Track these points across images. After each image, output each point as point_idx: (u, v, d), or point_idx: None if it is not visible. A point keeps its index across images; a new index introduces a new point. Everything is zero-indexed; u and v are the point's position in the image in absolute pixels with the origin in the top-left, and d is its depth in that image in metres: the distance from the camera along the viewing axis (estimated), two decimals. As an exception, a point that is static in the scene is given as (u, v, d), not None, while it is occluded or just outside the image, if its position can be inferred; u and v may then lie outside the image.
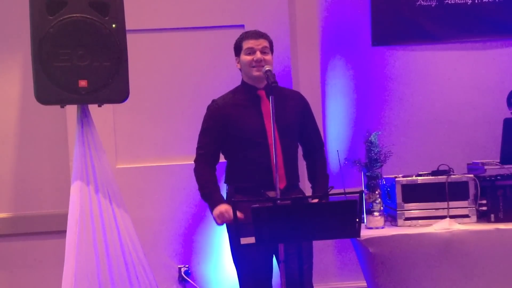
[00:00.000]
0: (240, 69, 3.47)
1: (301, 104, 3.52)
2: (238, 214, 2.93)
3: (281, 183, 3.28)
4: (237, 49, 3.46)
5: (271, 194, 3.23)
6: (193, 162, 3.46)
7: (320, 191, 3.41)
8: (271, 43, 3.44)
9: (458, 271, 3.59)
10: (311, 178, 3.56)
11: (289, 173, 3.37)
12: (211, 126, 3.43)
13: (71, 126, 4.25)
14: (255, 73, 3.35)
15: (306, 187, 3.61)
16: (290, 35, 4.54)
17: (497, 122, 4.11)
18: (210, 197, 3.37)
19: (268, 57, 3.39)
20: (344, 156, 4.46)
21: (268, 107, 3.25)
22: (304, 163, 3.58)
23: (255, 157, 3.34)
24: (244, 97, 3.44)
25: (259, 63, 3.34)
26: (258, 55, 3.35)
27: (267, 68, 3.27)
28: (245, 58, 3.39)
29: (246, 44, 3.39)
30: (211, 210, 3.35)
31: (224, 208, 3.27)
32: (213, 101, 3.48)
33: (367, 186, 3.90)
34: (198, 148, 3.46)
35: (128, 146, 4.52)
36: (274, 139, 3.14)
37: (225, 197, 3.47)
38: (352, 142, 4.61)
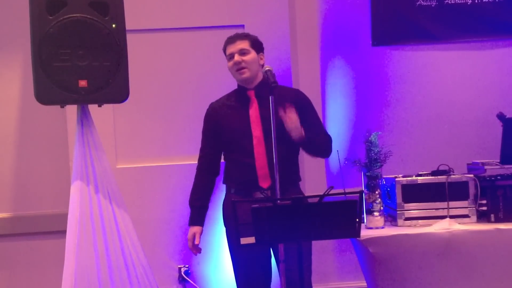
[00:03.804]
0: None
1: (296, 102, 3.41)
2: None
3: (265, 182, 3.31)
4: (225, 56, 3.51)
5: (257, 194, 3.28)
6: (192, 162, 3.48)
7: (311, 137, 3.36)
8: (253, 41, 3.42)
9: (458, 271, 3.59)
10: None
11: (277, 172, 3.20)
12: (205, 129, 3.51)
13: (71, 126, 4.25)
14: (239, 76, 3.39)
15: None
16: (290, 35, 4.54)
17: (497, 122, 4.10)
18: (191, 209, 3.49)
19: (247, 57, 3.38)
20: (344, 156, 4.45)
21: (254, 107, 3.30)
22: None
23: (241, 157, 3.36)
24: (235, 99, 3.48)
25: (238, 65, 3.36)
26: (236, 57, 3.37)
27: (266, 68, 3.24)
28: (228, 64, 3.43)
29: (227, 50, 3.44)
30: None
31: (189, 235, 3.46)
32: (210, 104, 3.54)
33: (367, 186, 3.90)
34: (199, 151, 3.54)
35: (128, 146, 4.52)
36: (265, 140, 3.20)
37: (224, 197, 3.51)
38: (352, 142, 4.61)
